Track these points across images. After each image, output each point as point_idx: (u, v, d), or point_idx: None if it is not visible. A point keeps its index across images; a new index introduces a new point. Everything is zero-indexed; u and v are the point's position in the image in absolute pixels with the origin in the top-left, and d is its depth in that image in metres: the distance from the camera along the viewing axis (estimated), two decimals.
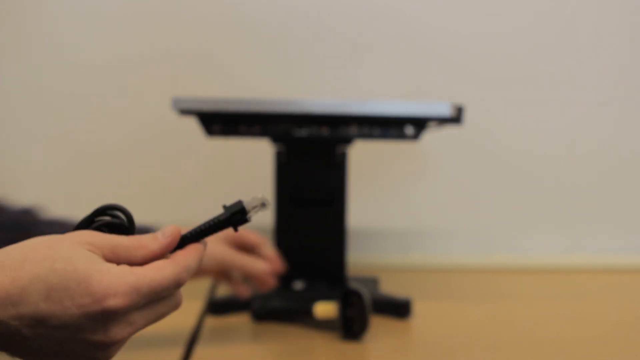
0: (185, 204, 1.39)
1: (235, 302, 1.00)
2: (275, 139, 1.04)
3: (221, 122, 1.00)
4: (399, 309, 0.97)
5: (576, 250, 1.45)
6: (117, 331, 0.42)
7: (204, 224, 0.52)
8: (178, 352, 0.81)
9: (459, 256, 1.42)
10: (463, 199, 1.46)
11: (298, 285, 1.06)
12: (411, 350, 0.85)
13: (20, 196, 1.39)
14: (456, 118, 0.99)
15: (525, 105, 1.45)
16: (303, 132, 0.99)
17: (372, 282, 1.15)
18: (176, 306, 0.48)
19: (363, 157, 1.27)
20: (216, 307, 0.98)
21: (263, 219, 1.31)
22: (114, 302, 0.41)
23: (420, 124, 1.00)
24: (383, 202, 1.44)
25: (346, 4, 1.41)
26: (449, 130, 1.15)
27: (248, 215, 0.51)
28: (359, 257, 1.37)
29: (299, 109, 0.97)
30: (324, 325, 0.94)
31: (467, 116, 1.04)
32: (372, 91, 1.41)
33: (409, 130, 1.00)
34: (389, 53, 1.42)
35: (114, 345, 0.43)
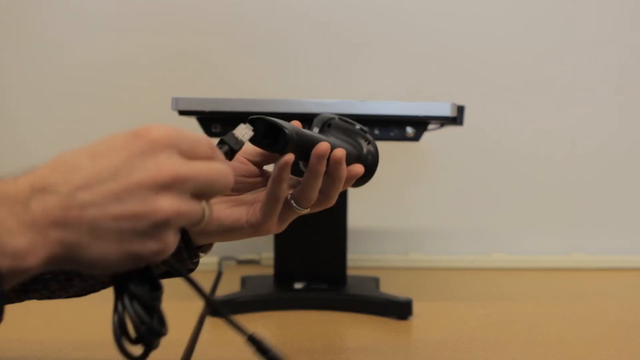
0: None
1: (235, 302, 1.00)
2: None
3: (221, 123, 1.00)
4: (399, 309, 0.97)
5: (576, 250, 1.46)
6: (168, 163, 0.40)
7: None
8: (178, 352, 0.81)
9: (459, 256, 1.42)
10: (463, 199, 1.46)
11: (298, 285, 1.06)
12: (411, 350, 0.85)
13: None
14: (456, 118, 0.99)
15: (525, 106, 1.45)
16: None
17: (373, 282, 1.15)
18: (225, 175, 0.44)
19: None
20: (216, 305, 0.98)
21: None
22: (156, 132, 0.40)
23: (420, 124, 1.00)
24: (383, 202, 1.44)
25: (346, 5, 1.41)
26: (449, 130, 1.15)
27: (239, 139, 0.52)
28: (359, 257, 1.38)
29: (299, 109, 0.97)
30: (324, 327, 0.94)
31: (467, 116, 1.04)
32: (372, 91, 1.41)
33: (410, 130, 1.00)
34: (389, 53, 1.42)
35: (168, 187, 0.40)
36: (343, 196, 1.08)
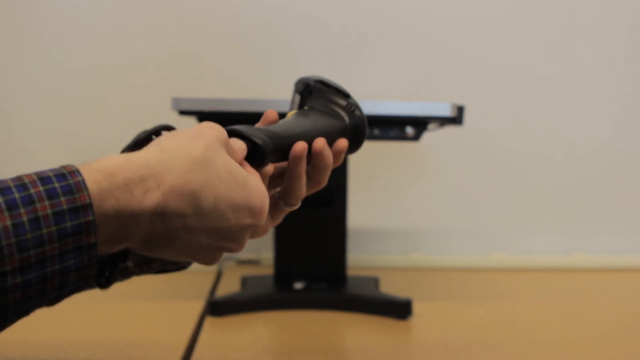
0: None
1: (235, 302, 1.00)
2: None
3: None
4: (399, 309, 0.98)
5: (576, 250, 1.46)
6: (246, 238, 0.49)
7: None
8: (178, 352, 0.81)
9: (459, 256, 1.42)
10: (463, 199, 1.46)
11: (298, 285, 1.06)
12: (411, 350, 0.85)
13: None
14: (456, 118, 0.99)
15: (525, 106, 1.45)
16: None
17: (372, 282, 1.15)
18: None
19: (363, 157, 1.27)
20: (216, 307, 0.98)
21: None
22: (262, 219, 0.48)
23: (420, 124, 1.00)
24: (383, 202, 1.44)
25: (346, 5, 1.41)
26: (449, 130, 1.15)
27: None
28: (359, 257, 1.38)
29: None
30: (324, 327, 0.94)
31: (467, 116, 1.04)
32: (372, 91, 1.41)
33: (410, 130, 1.00)
34: (389, 53, 1.42)
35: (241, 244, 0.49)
36: (343, 196, 1.08)
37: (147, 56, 1.40)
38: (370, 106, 0.98)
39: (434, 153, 1.44)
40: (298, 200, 0.59)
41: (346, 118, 0.62)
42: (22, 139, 1.40)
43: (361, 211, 1.40)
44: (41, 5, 1.38)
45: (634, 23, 1.45)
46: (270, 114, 0.60)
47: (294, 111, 0.63)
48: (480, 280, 1.29)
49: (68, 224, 0.38)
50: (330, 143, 0.59)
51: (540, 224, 1.46)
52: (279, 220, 0.60)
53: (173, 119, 1.04)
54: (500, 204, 1.46)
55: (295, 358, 0.81)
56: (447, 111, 0.97)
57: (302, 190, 0.58)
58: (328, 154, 0.58)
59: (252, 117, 1.00)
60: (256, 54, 1.41)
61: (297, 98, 0.61)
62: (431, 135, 1.08)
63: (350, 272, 1.11)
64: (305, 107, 0.63)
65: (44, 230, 0.37)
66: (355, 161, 1.12)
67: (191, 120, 1.02)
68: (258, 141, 0.53)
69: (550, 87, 1.45)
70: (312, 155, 0.57)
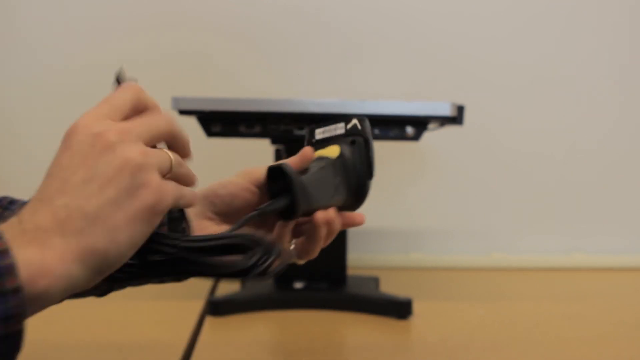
0: None
1: (235, 302, 1.00)
2: (275, 139, 1.04)
3: (221, 123, 1.00)
4: (399, 308, 0.97)
5: (576, 250, 1.46)
6: (123, 147, 0.42)
7: None
8: (178, 352, 0.81)
9: (459, 256, 1.42)
10: (463, 199, 1.46)
11: (298, 285, 1.06)
12: (411, 350, 0.85)
13: (22, 194, 1.39)
14: (456, 118, 0.99)
15: (525, 106, 1.45)
16: (303, 132, 0.99)
17: (373, 282, 1.15)
18: (166, 121, 0.47)
19: None
20: (216, 307, 0.98)
21: None
22: (83, 120, 0.45)
23: (420, 124, 1.00)
24: (383, 202, 1.44)
25: (346, 5, 1.41)
26: (449, 130, 1.15)
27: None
28: (359, 257, 1.38)
29: (299, 109, 0.97)
30: (324, 327, 0.94)
31: (467, 116, 1.04)
32: (373, 91, 1.41)
33: (410, 130, 1.00)
34: (390, 53, 1.42)
35: (123, 142, 0.42)
36: None
37: (147, 55, 1.40)
38: (370, 106, 0.98)
39: (434, 153, 1.44)
40: (310, 257, 0.59)
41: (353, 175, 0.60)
42: (22, 140, 1.40)
43: (362, 211, 1.39)
44: (43, 3, 1.38)
45: (634, 23, 1.45)
46: (308, 153, 0.57)
47: (322, 152, 0.59)
48: (480, 280, 1.29)
49: None
50: (345, 202, 0.59)
51: (540, 224, 1.46)
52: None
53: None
54: (500, 204, 1.46)
55: (295, 358, 0.81)
56: (447, 111, 0.97)
57: (318, 250, 0.58)
58: (338, 227, 0.59)
59: (253, 117, 1.00)
60: (256, 54, 1.41)
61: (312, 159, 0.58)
62: (431, 135, 1.08)
63: (350, 272, 1.11)
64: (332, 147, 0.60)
65: None
66: None
67: (191, 120, 1.02)
68: (301, 204, 0.52)
69: (550, 88, 1.45)
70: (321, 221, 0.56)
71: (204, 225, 0.58)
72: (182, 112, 0.98)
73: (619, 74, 1.45)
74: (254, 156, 1.34)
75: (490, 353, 0.83)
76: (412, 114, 0.98)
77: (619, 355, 0.83)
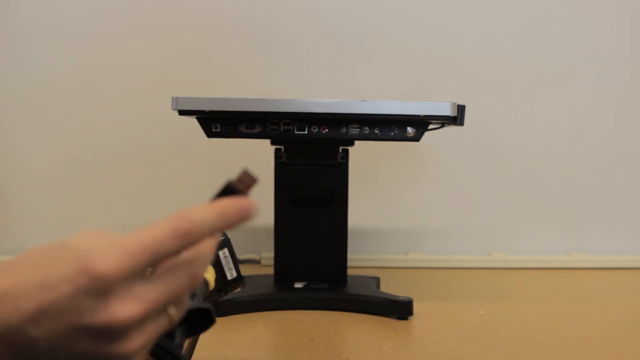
0: (184, 204, 1.38)
1: (235, 302, 1.00)
2: (275, 139, 1.04)
3: (221, 123, 0.99)
4: (399, 308, 0.97)
5: (576, 250, 1.46)
6: (121, 308, 0.35)
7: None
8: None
9: (459, 256, 1.42)
10: (463, 199, 1.46)
11: (298, 285, 1.06)
12: (411, 350, 0.85)
13: (21, 196, 1.39)
14: (457, 118, 0.99)
15: (525, 106, 1.45)
16: (303, 132, 0.99)
17: (373, 282, 1.15)
18: (195, 277, 0.38)
19: (363, 157, 1.27)
20: (216, 307, 0.98)
21: (264, 219, 1.32)
22: (101, 267, 0.35)
23: (421, 124, 1.00)
24: (383, 202, 1.44)
25: (347, 5, 1.41)
26: (450, 130, 1.15)
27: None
28: (359, 257, 1.38)
29: (299, 109, 0.97)
30: (324, 327, 0.94)
31: (468, 116, 1.04)
32: (373, 91, 1.41)
33: (410, 130, 1.00)
34: (390, 53, 1.42)
35: (126, 333, 0.36)
36: (344, 196, 1.08)
37: (147, 56, 1.40)
38: (370, 106, 0.98)
39: (434, 153, 1.44)
40: None
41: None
42: (22, 141, 1.40)
43: (362, 211, 1.40)
44: (41, 4, 1.38)
45: (635, 23, 1.45)
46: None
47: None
48: (480, 280, 1.29)
49: None
50: None
51: (541, 224, 1.46)
52: None
53: (174, 119, 1.04)
54: (500, 204, 1.46)
55: (295, 358, 0.81)
56: (447, 111, 0.97)
57: None
58: None
59: (253, 117, 1.00)
60: (256, 54, 1.41)
61: None
62: (431, 135, 1.08)
63: (351, 272, 1.11)
64: None
65: None
66: (356, 161, 1.12)
67: (191, 120, 1.02)
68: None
69: (550, 88, 1.45)
70: None
71: None
72: (182, 112, 0.98)
73: (619, 74, 1.45)
74: (254, 156, 1.34)
75: (490, 353, 0.83)
76: (412, 114, 0.98)
77: (619, 355, 0.83)
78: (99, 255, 0.35)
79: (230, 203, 0.41)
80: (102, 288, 0.35)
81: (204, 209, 0.39)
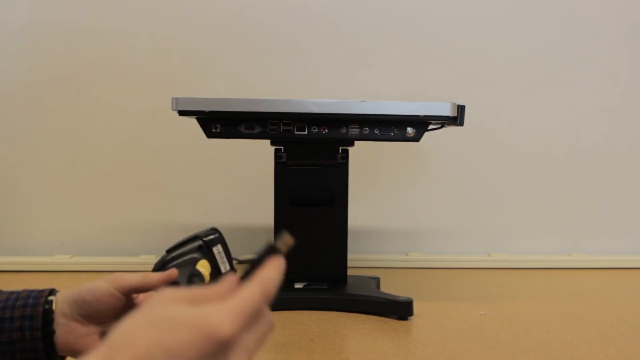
0: (184, 205, 1.39)
1: None
2: (275, 139, 1.04)
3: (221, 123, 1.00)
4: (399, 309, 0.97)
5: (576, 250, 1.46)
6: (237, 359, 0.43)
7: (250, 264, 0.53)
8: None
9: (459, 256, 1.42)
10: (463, 199, 1.46)
11: (298, 285, 1.06)
12: (411, 351, 0.85)
13: (21, 196, 1.39)
14: (457, 118, 0.99)
15: (526, 107, 1.45)
16: (303, 132, 0.99)
17: (373, 282, 1.15)
18: (271, 325, 0.48)
19: (363, 157, 1.27)
20: None
21: (264, 220, 1.31)
22: (221, 331, 0.41)
23: (421, 124, 1.00)
24: (383, 202, 1.44)
25: (347, 5, 1.41)
26: (450, 130, 1.15)
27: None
28: (360, 257, 1.38)
29: (299, 109, 0.97)
30: (324, 327, 0.94)
31: (468, 116, 1.04)
32: (373, 91, 1.41)
33: (410, 130, 1.00)
34: (390, 54, 1.42)
35: None
36: (344, 196, 1.08)
37: (148, 55, 1.40)
38: (370, 106, 0.98)
39: (435, 153, 1.44)
40: None
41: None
42: (21, 141, 1.40)
43: (362, 211, 1.40)
44: (41, 4, 1.38)
45: (635, 23, 1.45)
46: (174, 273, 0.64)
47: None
48: (480, 280, 1.29)
49: None
50: None
51: (541, 224, 1.46)
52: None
53: (174, 119, 1.04)
54: (500, 204, 1.46)
55: (295, 358, 0.81)
56: (447, 111, 0.97)
57: None
58: None
59: (253, 117, 1.00)
60: (257, 54, 1.41)
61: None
62: (431, 135, 1.08)
63: (351, 272, 1.11)
64: None
65: None
66: (356, 161, 1.12)
67: (191, 120, 1.02)
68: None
69: (550, 88, 1.45)
70: None
71: (73, 327, 0.61)
72: (182, 112, 0.98)
73: (619, 74, 1.45)
74: (254, 156, 1.34)
75: (490, 353, 0.83)
76: (412, 114, 0.98)
77: (619, 355, 0.83)
78: (217, 321, 0.41)
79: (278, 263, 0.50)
80: (223, 347, 0.41)
81: (272, 271, 0.48)
